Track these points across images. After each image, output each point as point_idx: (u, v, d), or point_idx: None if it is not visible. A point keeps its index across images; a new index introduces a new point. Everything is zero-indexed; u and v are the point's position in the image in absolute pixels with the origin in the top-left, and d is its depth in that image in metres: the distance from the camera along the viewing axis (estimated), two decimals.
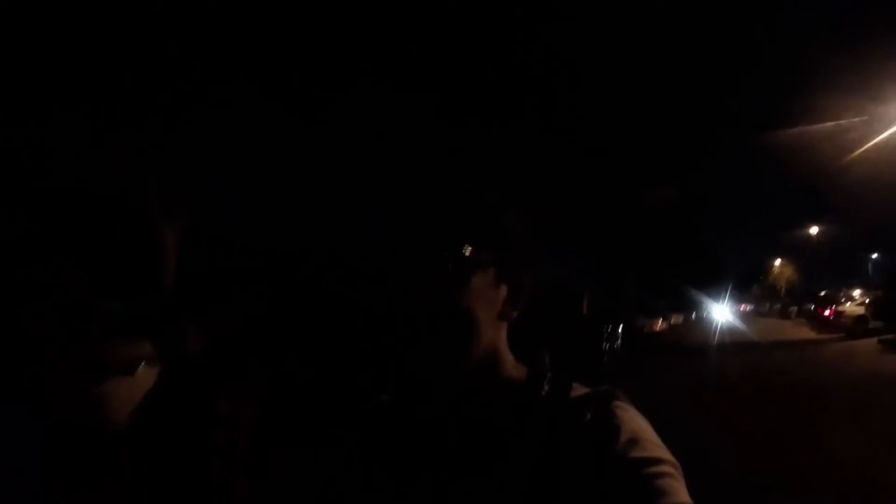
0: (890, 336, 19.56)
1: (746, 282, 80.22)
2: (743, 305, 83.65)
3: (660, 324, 32.82)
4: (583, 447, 0.79)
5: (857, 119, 21.28)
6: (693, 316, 60.96)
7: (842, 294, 32.40)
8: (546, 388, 0.88)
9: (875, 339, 20.13)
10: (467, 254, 0.84)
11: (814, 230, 53.72)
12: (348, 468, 0.90)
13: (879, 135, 21.01)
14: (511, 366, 0.92)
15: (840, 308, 28.75)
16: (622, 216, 31.70)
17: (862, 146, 23.05)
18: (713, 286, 60.00)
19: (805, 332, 29.55)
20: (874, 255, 43.06)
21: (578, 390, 0.89)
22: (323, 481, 0.91)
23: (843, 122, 21.79)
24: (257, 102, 12.97)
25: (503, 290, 0.89)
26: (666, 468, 0.77)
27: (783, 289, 70.88)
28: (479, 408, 0.86)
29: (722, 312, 55.12)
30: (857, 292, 32.02)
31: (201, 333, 1.64)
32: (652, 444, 0.80)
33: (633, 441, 0.79)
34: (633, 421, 0.83)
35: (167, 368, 1.49)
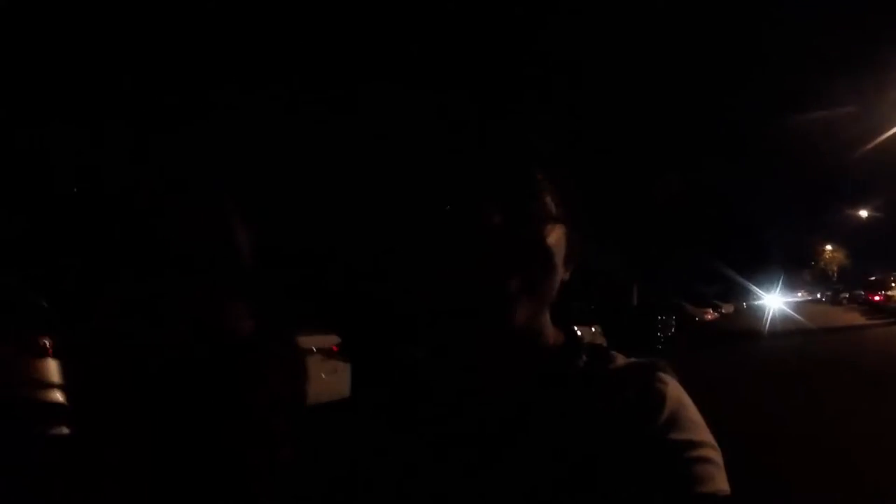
0: None
1: (797, 268, 79.88)
2: (800, 292, 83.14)
3: (711, 312, 33.79)
4: (621, 422, 0.75)
5: None
6: (744, 305, 61.26)
7: (893, 278, 32.74)
8: (584, 357, 0.84)
9: None
10: (551, 208, 0.80)
11: (863, 213, 53.45)
12: (356, 462, 0.83)
13: None
14: (551, 331, 0.86)
15: (889, 293, 29.36)
16: (659, 208, 32.42)
17: None
18: (763, 274, 60.27)
19: (855, 318, 30.34)
20: None
21: (620, 360, 0.84)
22: (329, 477, 0.85)
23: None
24: (268, 104, 13.76)
25: (564, 250, 0.83)
26: (706, 452, 0.73)
27: (835, 274, 70.49)
28: (514, 375, 0.81)
29: (773, 300, 55.45)
30: None
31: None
32: (694, 424, 0.76)
33: (674, 421, 0.75)
34: (676, 398, 0.77)
35: (170, 363, 1.50)
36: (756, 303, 62.31)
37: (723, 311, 42.05)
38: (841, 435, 7.01)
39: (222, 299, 1.60)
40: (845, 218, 56.81)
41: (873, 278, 34.73)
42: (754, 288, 57.50)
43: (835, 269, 71.53)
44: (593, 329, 14.63)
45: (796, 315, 37.04)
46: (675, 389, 0.79)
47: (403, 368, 0.91)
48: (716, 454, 0.74)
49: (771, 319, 34.84)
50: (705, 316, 31.72)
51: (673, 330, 21.38)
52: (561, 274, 0.82)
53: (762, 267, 60.21)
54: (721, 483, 0.72)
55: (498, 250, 0.75)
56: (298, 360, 1.78)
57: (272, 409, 1.56)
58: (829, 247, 73.91)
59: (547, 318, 0.84)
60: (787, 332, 25.29)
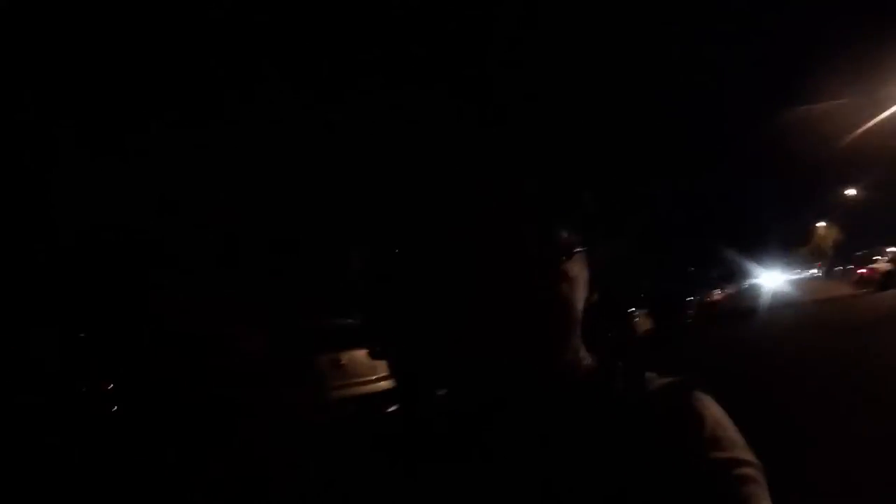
0: None
1: (794, 246, 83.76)
2: (798, 269, 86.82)
3: (717, 294, 37.72)
4: (661, 445, 0.75)
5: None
6: (746, 284, 65.23)
7: (877, 252, 36.58)
8: (620, 380, 0.84)
9: None
10: (566, 239, 0.78)
11: (852, 192, 56.86)
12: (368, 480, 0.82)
13: None
14: (585, 355, 0.86)
15: (873, 265, 33.32)
16: (659, 200, 35.56)
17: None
18: (763, 254, 64.22)
19: (844, 289, 34.42)
20: None
21: (654, 381, 0.84)
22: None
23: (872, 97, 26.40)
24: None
25: (587, 274, 0.84)
26: (749, 471, 0.73)
27: (830, 250, 73.86)
28: (552, 403, 0.79)
29: (772, 278, 59.52)
30: (891, 249, 36.13)
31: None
32: (734, 443, 0.76)
33: (715, 440, 0.75)
34: (715, 418, 0.78)
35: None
36: (756, 282, 66.23)
37: (727, 291, 45.99)
38: (828, 365, 10.99)
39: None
40: (838, 197, 60.06)
41: (859, 253, 38.60)
42: (755, 268, 61.54)
43: (830, 244, 74.80)
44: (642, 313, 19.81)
45: (793, 290, 41.31)
46: (713, 408, 0.79)
47: (429, 404, 0.88)
48: (757, 472, 0.74)
49: (770, 296, 38.95)
50: (713, 297, 35.67)
51: (693, 310, 25.99)
52: (584, 300, 0.83)
53: (761, 248, 64.23)
54: (764, 502, 0.72)
55: (519, 288, 0.74)
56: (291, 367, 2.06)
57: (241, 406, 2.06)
58: (822, 224, 77.45)
59: (577, 344, 0.83)
60: (784, 305, 29.57)
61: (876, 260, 34.43)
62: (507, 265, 0.74)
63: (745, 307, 32.66)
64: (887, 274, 30.04)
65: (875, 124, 30.54)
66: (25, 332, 6.66)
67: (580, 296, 0.81)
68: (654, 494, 0.71)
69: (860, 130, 30.48)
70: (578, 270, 0.80)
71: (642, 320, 19.48)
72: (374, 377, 7.80)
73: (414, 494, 0.79)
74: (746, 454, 0.75)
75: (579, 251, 0.80)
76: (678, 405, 0.79)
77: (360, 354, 7.82)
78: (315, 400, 7.32)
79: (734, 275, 60.09)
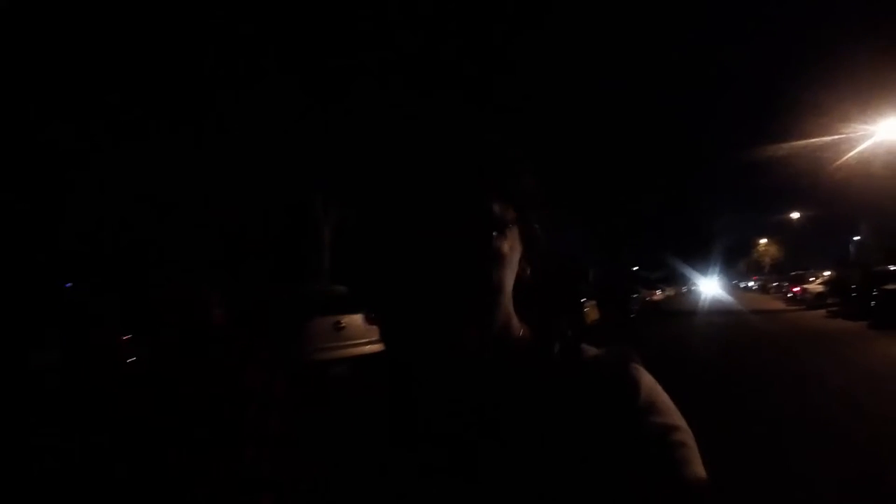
0: (835, 308, 25.99)
1: (734, 258, 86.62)
2: (734, 280, 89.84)
3: (657, 294, 39.27)
4: (599, 410, 0.77)
5: (840, 136, 27.39)
6: (684, 289, 67.51)
7: (811, 274, 38.52)
8: (557, 348, 0.86)
9: (824, 310, 26.61)
10: (498, 214, 0.78)
11: (795, 215, 59.04)
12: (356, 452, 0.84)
13: (856, 148, 27.16)
14: (517, 327, 0.86)
15: (805, 286, 35.13)
16: (618, 196, 36.74)
17: (842, 157, 29.09)
18: (703, 262, 66.33)
19: (777, 304, 36.29)
20: (856, 238, 48.26)
21: (590, 351, 0.87)
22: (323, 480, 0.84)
23: (829, 138, 27.92)
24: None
25: (521, 248, 0.84)
26: (682, 436, 0.76)
27: (767, 265, 76.51)
28: (489, 375, 0.80)
29: (709, 285, 61.76)
30: (825, 273, 38.08)
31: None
32: (669, 409, 0.79)
33: (651, 406, 0.78)
34: (650, 384, 0.81)
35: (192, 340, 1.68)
36: (694, 287, 68.61)
37: (666, 293, 47.78)
38: (746, 364, 12.15)
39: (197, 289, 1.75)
40: (783, 218, 62.18)
41: (794, 273, 40.61)
42: (694, 274, 63.65)
43: (768, 260, 77.43)
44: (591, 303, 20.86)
45: (730, 299, 43.19)
46: (647, 376, 0.82)
47: (394, 370, 0.89)
48: (690, 438, 0.77)
49: (706, 301, 40.70)
50: (653, 297, 37.18)
51: (637, 307, 27.41)
52: (516, 272, 0.83)
53: (702, 255, 66.28)
54: (698, 466, 0.74)
55: (450, 260, 0.74)
56: (271, 352, 1.83)
57: (241, 400, 1.65)
58: (763, 240, 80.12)
59: (507, 317, 0.83)
60: (719, 312, 31.05)
61: (810, 281, 36.35)
62: (429, 238, 0.75)
63: (684, 309, 34.31)
64: (818, 295, 31.75)
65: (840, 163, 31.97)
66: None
67: (510, 272, 0.81)
68: (593, 456, 0.74)
69: (828, 168, 31.79)
70: (510, 246, 0.80)
71: (591, 310, 20.45)
72: (367, 340, 8.69)
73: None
74: (679, 420, 0.79)
75: (513, 226, 0.81)
76: (615, 372, 0.81)
77: (358, 318, 8.76)
78: (319, 358, 8.13)
79: (674, 278, 62.10)
